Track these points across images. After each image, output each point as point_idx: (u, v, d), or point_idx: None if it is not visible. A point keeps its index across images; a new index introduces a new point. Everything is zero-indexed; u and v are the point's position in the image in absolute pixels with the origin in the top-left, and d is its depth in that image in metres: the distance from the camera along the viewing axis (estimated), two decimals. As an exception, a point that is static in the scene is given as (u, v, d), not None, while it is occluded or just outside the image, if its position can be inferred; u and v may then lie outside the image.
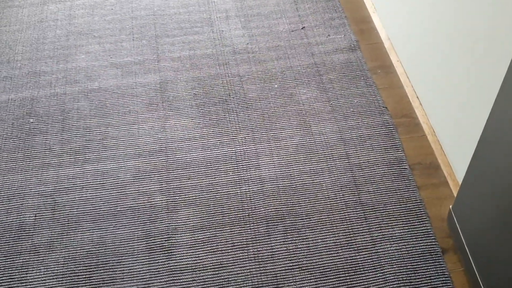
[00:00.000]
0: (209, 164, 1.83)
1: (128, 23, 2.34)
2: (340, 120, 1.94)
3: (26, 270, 1.60)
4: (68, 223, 1.69)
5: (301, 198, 1.73)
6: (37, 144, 1.91)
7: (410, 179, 1.76)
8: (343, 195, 1.73)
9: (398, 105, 2.02)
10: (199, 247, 1.63)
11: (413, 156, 1.85)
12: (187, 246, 1.64)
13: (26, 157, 1.87)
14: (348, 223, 1.66)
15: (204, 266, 1.59)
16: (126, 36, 2.29)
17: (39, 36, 2.30)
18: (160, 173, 1.82)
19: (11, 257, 1.63)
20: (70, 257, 1.62)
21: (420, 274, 1.54)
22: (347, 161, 1.82)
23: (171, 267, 1.59)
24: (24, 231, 1.68)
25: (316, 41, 2.24)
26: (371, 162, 1.82)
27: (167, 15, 2.38)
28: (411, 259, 1.57)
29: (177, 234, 1.66)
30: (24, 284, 1.57)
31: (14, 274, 1.59)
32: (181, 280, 1.56)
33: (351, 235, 1.64)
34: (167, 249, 1.63)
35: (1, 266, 1.61)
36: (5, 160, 1.86)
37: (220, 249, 1.63)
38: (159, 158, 1.86)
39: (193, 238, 1.65)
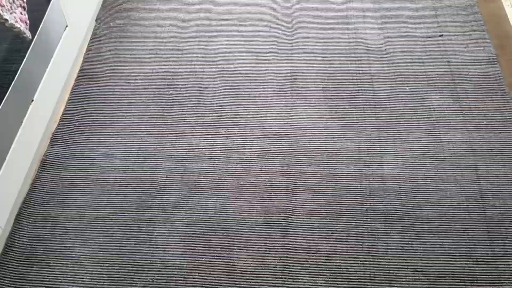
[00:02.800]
0: (331, 155, 1.87)
1: (267, 14, 2.44)
2: (471, 131, 1.89)
3: (153, 224, 1.73)
4: (195, 188, 1.81)
5: (422, 201, 1.71)
6: (174, 113, 2.06)
7: (542, 201, 1.68)
8: (467, 205, 1.69)
9: (536, 124, 1.92)
10: (314, 231, 1.67)
11: (548, 179, 1.76)
12: (303, 228, 1.68)
13: (164, 124, 2.02)
14: (470, 233, 1.62)
15: (318, 250, 1.63)
16: (264, 25, 2.39)
17: (185, 17, 2.47)
18: (283, 156, 1.88)
19: (142, 210, 1.77)
20: (194, 219, 1.73)
21: (544, 298, 1.47)
22: (475, 172, 1.77)
23: (286, 245, 1.65)
24: (155, 188, 1.82)
25: (454, 50, 2.19)
26: (500, 177, 1.75)
27: (304, 9, 2.45)
28: (536, 281, 1.50)
29: (294, 215, 1.72)
30: (150, 236, 1.70)
31: (142, 226, 1.74)
32: (295, 259, 1.61)
33: (471, 246, 1.59)
34: (283, 227, 1.69)
35: (133, 216, 1.75)
36: (145, 124, 2.03)
37: (335, 237, 1.66)
38: (283, 142, 1.92)
39: (309, 222, 1.70)
